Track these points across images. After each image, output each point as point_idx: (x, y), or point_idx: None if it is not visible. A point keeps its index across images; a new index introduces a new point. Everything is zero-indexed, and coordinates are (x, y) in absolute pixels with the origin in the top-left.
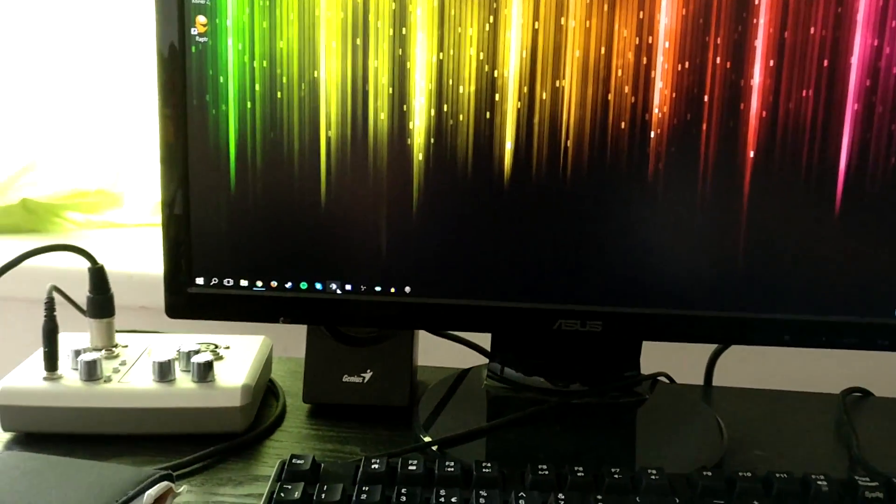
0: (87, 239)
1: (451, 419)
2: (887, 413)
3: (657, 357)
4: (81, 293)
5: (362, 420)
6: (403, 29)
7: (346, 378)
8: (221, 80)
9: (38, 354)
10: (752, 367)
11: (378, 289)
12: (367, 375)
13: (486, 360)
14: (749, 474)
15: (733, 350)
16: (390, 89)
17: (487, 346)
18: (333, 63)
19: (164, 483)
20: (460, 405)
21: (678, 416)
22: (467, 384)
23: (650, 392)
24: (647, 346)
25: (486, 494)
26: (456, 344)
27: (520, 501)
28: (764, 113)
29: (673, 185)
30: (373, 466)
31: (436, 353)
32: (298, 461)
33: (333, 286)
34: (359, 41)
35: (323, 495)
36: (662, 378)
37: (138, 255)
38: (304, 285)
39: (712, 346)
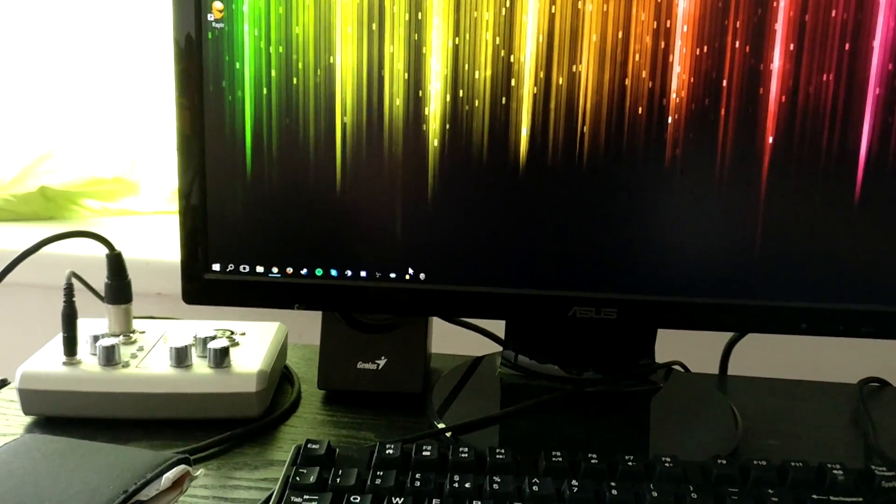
0: (104, 226)
1: (464, 406)
2: None
3: (672, 345)
4: (99, 280)
5: (376, 406)
6: (419, 13)
7: (360, 364)
8: (238, 66)
9: (58, 340)
10: (768, 356)
11: (393, 275)
12: (382, 362)
13: (500, 348)
14: (764, 463)
15: (749, 339)
16: (406, 75)
17: (501, 334)
18: (349, 49)
19: (182, 466)
20: (474, 392)
21: (693, 405)
22: (481, 371)
23: (665, 380)
24: (662, 334)
25: (499, 480)
26: (470, 332)
27: (533, 488)
28: (783, 98)
29: (690, 171)
30: (387, 452)
31: (450, 340)
32: (314, 446)
33: (348, 272)
34: (374, 26)
35: (338, 480)
36: (677, 366)
37: (155, 242)
38: (319, 272)
39: (728, 335)
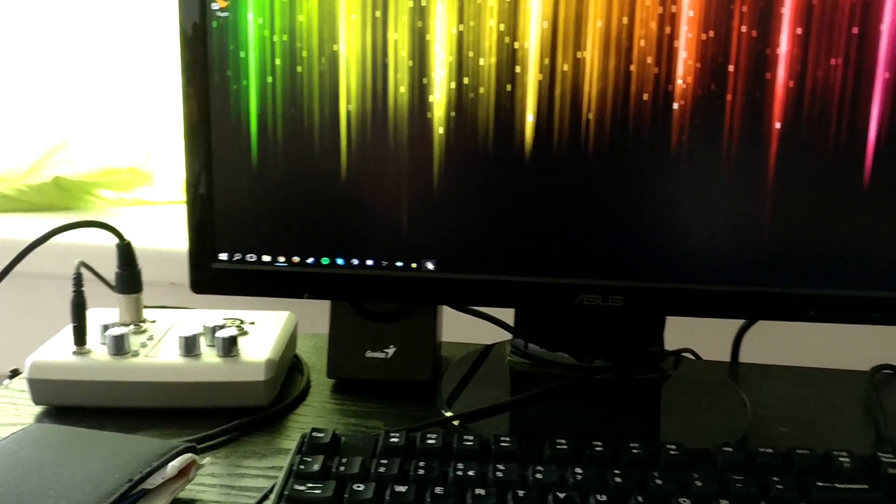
0: (119, 216)
1: (473, 395)
2: None
3: (683, 333)
4: (112, 269)
5: (386, 395)
6: (423, 0)
7: (369, 353)
8: (242, 54)
9: (68, 329)
10: (780, 343)
11: (400, 264)
12: (391, 351)
13: (510, 336)
14: (770, 450)
15: (762, 326)
16: (410, 62)
17: (511, 322)
18: (353, 36)
19: (188, 455)
20: (483, 381)
21: (702, 393)
22: (491, 360)
23: (675, 368)
24: (673, 321)
25: (503, 468)
26: (480, 320)
27: (537, 475)
28: (791, 83)
29: (697, 157)
30: (392, 440)
31: (460, 328)
32: (319, 434)
33: (356, 261)
34: (378, 14)
35: (342, 468)
36: (687, 354)
37: (169, 231)
38: (326, 260)
39: (738, 322)
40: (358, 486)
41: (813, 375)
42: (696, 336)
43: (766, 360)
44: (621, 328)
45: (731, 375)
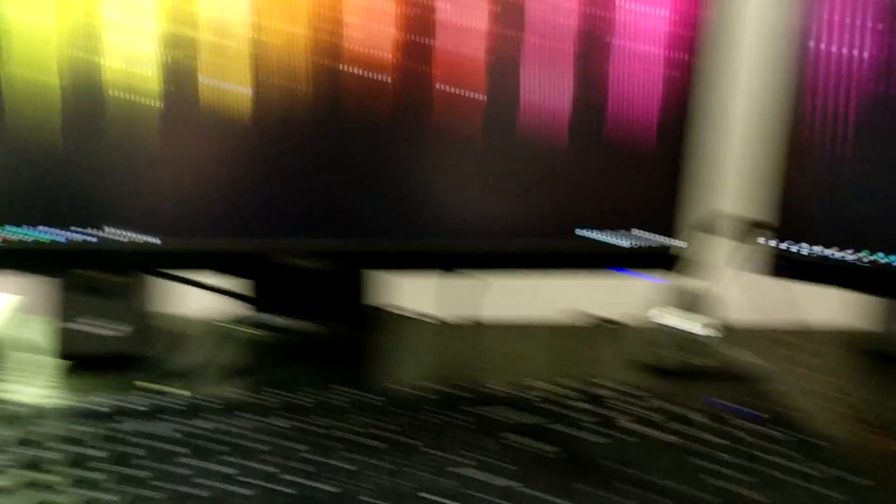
0: None
1: (197, 363)
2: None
3: (422, 291)
4: None
5: (114, 369)
6: None
7: (95, 329)
8: None
9: None
10: (514, 298)
11: (120, 236)
12: (117, 325)
13: (235, 304)
14: (447, 389)
15: (505, 284)
16: (120, 34)
17: (239, 291)
18: (59, 7)
19: None
20: (211, 350)
21: (413, 346)
22: (216, 329)
23: (389, 323)
24: (414, 280)
25: (203, 425)
26: (209, 291)
27: (234, 428)
28: (481, 54)
29: (399, 125)
30: (96, 407)
31: (188, 299)
32: (20, 407)
33: (77, 236)
34: None
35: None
36: (401, 311)
37: None
38: (44, 236)
39: (468, 279)
40: (56, 448)
41: (536, 330)
42: (415, 292)
43: (508, 316)
44: (333, 288)
45: (458, 331)
